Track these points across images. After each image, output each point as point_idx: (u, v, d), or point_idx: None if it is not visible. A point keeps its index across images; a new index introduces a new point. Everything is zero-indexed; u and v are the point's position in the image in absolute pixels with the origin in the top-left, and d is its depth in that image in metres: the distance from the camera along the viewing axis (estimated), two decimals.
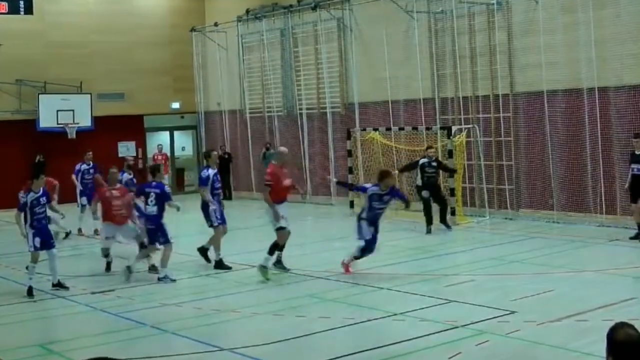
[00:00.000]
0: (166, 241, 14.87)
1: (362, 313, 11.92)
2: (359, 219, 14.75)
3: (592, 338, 9.67)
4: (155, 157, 31.16)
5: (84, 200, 21.41)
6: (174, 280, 14.73)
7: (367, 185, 15.52)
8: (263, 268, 14.60)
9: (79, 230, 21.38)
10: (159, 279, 14.73)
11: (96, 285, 14.68)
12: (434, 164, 20.10)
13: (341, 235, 18.72)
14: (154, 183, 15.05)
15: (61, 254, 18.70)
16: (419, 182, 20.18)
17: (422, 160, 20.11)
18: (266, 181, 14.97)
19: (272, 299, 13.09)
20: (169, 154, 32.70)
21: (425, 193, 19.90)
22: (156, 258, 15.48)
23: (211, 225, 16.02)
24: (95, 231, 20.58)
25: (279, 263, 15.16)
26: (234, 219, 20.11)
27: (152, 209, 14.83)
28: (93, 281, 15.24)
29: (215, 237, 15.98)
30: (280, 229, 14.79)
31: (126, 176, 18.85)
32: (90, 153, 22.17)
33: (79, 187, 21.61)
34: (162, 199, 14.87)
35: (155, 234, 14.96)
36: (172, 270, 15.54)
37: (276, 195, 14.79)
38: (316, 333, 10.94)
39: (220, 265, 15.84)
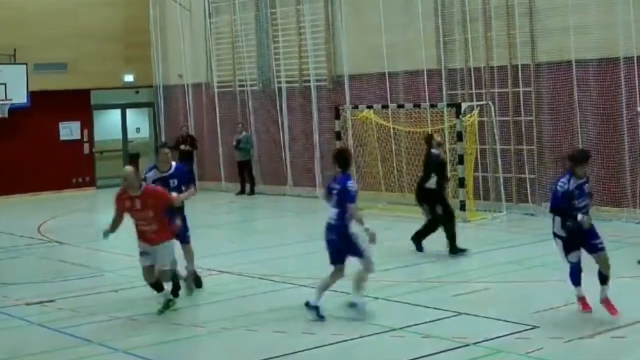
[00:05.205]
0: (361, 254, 12.49)
1: (353, 328, 11.86)
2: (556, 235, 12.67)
3: (630, 358, 9.65)
4: None
5: None
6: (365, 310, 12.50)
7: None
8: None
9: None
10: (350, 306, 12.41)
11: (33, 295, 14.52)
12: None
13: None
14: (338, 176, 12.75)
15: None
16: None
17: None
18: None
19: (245, 311, 13.03)
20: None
21: None
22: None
23: None
24: None
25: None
26: (199, 215, 19.99)
27: (332, 213, 12.69)
28: (29, 289, 15.11)
29: None
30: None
31: None
32: None
33: None
34: (344, 199, 12.49)
35: (342, 247, 12.63)
36: (124, 276, 15.44)
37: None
38: (298, 352, 10.86)
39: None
